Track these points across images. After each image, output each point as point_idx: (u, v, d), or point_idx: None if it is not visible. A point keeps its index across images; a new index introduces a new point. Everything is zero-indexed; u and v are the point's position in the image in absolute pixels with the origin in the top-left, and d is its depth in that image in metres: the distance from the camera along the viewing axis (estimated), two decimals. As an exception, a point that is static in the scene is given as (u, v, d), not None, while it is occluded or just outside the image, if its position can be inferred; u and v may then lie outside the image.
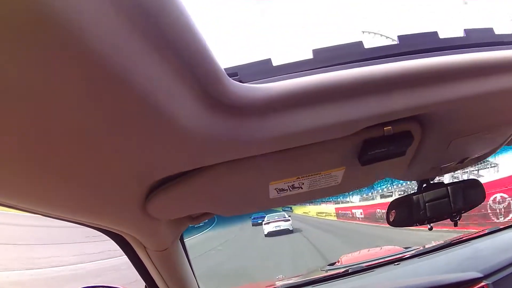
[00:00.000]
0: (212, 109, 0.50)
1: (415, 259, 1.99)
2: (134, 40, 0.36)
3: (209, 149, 0.57)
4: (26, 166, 0.47)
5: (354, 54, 0.64)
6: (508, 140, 1.01)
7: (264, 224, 17.35)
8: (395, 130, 0.71)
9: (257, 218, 22.02)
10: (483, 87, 0.66)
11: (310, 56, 0.64)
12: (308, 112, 0.58)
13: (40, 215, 0.66)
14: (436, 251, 2.02)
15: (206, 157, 0.61)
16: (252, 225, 22.35)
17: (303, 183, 0.82)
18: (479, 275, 1.55)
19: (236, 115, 0.53)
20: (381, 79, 0.59)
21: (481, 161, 1.11)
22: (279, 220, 16.98)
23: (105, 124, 0.43)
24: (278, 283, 2.11)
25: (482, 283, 1.52)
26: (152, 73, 0.40)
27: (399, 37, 0.67)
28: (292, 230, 16.57)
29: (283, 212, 19.37)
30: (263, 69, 0.61)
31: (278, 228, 16.41)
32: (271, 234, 16.29)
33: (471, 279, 1.53)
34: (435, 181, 1.21)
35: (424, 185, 1.18)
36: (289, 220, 17.14)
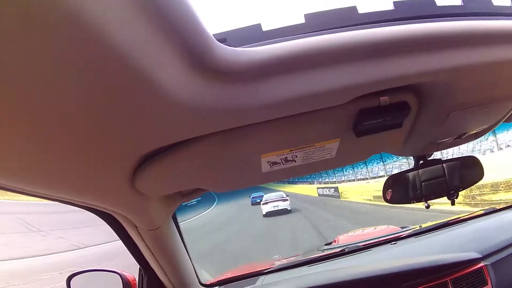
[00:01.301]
0: (200, 75, 0.48)
1: (412, 239, 1.99)
2: (119, 3, 0.35)
3: (197, 118, 0.55)
4: (10, 143, 0.46)
5: (348, 19, 0.61)
6: (507, 116, 0.98)
7: (262, 204, 17.56)
8: (391, 100, 0.69)
9: (256, 197, 22.46)
10: (480, 57, 0.64)
11: (302, 20, 0.61)
12: (300, 77, 0.55)
13: (28, 195, 0.66)
14: (433, 230, 2.02)
15: (194, 127, 0.59)
16: (252, 205, 22.72)
17: (296, 156, 0.80)
18: (478, 255, 1.54)
19: (225, 81, 0.51)
20: (376, 43, 0.57)
21: (479, 137, 1.09)
22: (277, 200, 17.17)
23: (88, 93, 0.42)
24: (276, 263, 2.10)
25: (481, 264, 1.51)
26: (136, 36, 0.38)
27: (395, 3, 0.64)
28: (290, 210, 16.75)
29: (281, 192, 19.60)
30: (253, 34, 0.59)
31: (276, 208, 16.62)
32: (269, 214, 16.46)
33: (469, 259, 1.52)
34: (432, 158, 1.18)
35: (421, 161, 1.17)
36: (287, 199, 17.31)
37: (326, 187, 21.18)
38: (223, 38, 0.55)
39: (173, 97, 0.47)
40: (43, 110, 0.41)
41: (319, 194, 21.27)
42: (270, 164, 0.81)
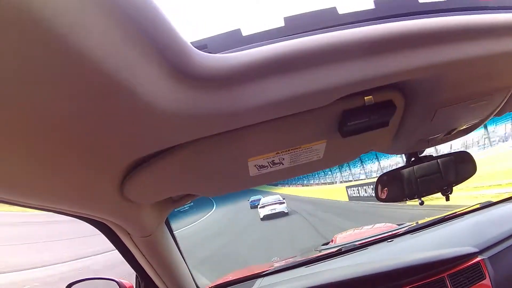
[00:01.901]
0: (181, 83, 0.48)
1: (409, 236, 1.99)
2: (92, 17, 0.35)
3: (181, 126, 0.55)
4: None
5: (328, 20, 0.61)
6: (497, 110, 0.97)
7: (260, 207, 17.65)
8: (376, 99, 0.68)
9: (255, 201, 22.95)
10: (464, 53, 0.64)
11: (281, 24, 0.61)
12: (282, 80, 0.55)
13: (19, 206, 0.65)
14: (429, 226, 2.02)
15: (179, 134, 0.59)
16: (251, 208, 22.98)
17: (283, 159, 0.80)
18: (474, 250, 1.54)
19: (207, 87, 0.51)
20: (357, 43, 0.57)
21: (469, 133, 1.09)
22: (274, 203, 17.24)
23: (71, 105, 0.42)
24: (274, 265, 2.10)
25: (478, 258, 1.51)
26: (111, 48, 0.39)
27: (375, 1, 0.64)
28: (287, 212, 16.79)
29: (278, 195, 19.66)
30: (233, 40, 0.59)
31: (273, 211, 16.71)
32: (267, 217, 16.49)
33: (466, 254, 1.52)
34: (424, 155, 1.18)
35: (413, 158, 1.16)
36: (283, 202, 17.40)
37: (362, 184, 16.72)
38: (203, 44, 0.56)
39: (155, 106, 0.48)
40: (30, 122, 0.42)
41: (350, 198, 17.60)
42: (257, 168, 0.81)
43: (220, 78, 0.51)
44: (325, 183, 25.40)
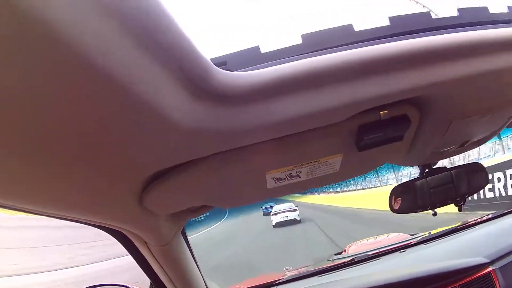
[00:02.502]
0: (202, 100, 0.49)
1: (421, 246, 1.98)
2: (116, 37, 0.36)
3: (202, 141, 0.56)
4: (21, 164, 0.46)
5: (344, 37, 0.62)
6: (508, 122, 0.98)
7: (272, 215, 17.48)
8: (391, 114, 0.69)
9: (268, 208, 22.75)
10: (478, 67, 0.64)
11: (299, 41, 0.62)
12: (300, 97, 0.56)
13: (38, 214, 0.66)
14: (441, 237, 2.01)
15: (199, 148, 0.60)
16: (264, 215, 22.84)
17: (300, 172, 0.81)
18: (485, 260, 1.54)
19: (226, 104, 0.52)
20: (373, 60, 0.57)
21: (482, 144, 1.09)
22: (287, 211, 17.07)
23: (95, 120, 0.43)
24: (286, 274, 2.10)
25: (489, 269, 1.51)
26: (134, 66, 0.39)
27: (390, 18, 0.64)
28: (299, 220, 16.63)
29: (290, 203, 19.50)
30: (252, 57, 0.60)
31: (286, 219, 16.52)
32: (279, 224, 16.37)
33: (477, 264, 1.52)
34: (437, 166, 1.19)
35: (426, 170, 1.16)
36: (296, 210, 17.21)
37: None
38: (223, 61, 0.57)
39: (176, 122, 0.49)
40: (53, 134, 0.43)
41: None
42: (275, 180, 0.82)
43: (241, 95, 0.52)
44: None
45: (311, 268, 2.18)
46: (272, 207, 20.98)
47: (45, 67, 0.33)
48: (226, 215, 27.59)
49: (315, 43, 0.61)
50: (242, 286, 2.06)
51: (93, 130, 0.45)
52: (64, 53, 0.33)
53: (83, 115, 0.41)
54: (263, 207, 24.06)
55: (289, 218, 16.60)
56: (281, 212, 16.97)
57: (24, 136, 0.41)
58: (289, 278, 1.98)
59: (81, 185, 0.58)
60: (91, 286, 1.38)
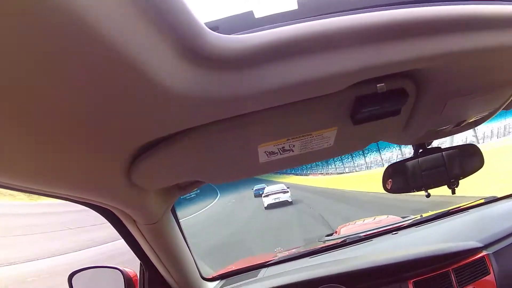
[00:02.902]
0: (193, 63, 0.48)
1: (413, 229, 1.99)
2: None
3: (192, 108, 0.54)
4: (4, 139, 0.46)
5: (342, 3, 0.60)
6: (506, 103, 0.96)
7: (264, 196, 17.72)
8: (388, 87, 0.67)
9: (259, 189, 23.51)
10: (478, 43, 0.63)
11: (295, 6, 0.60)
12: (294, 63, 0.54)
13: (25, 192, 0.65)
14: (433, 220, 2.01)
15: (189, 117, 0.58)
16: (255, 196, 23.52)
17: (294, 145, 0.79)
18: (479, 244, 1.54)
19: (218, 68, 0.50)
20: (371, 28, 0.56)
21: (478, 125, 1.08)
22: (278, 192, 17.27)
23: (80, 87, 0.42)
24: (277, 255, 2.10)
25: (482, 253, 1.51)
26: (125, 27, 0.38)
27: None
28: (291, 201, 16.83)
29: (282, 184, 19.76)
30: (245, 22, 0.58)
31: (277, 200, 16.78)
32: (271, 206, 16.55)
33: (470, 248, 1.52)
34: (431, 146, 1.18)
35: (420, 150, 1.15)
36: (288, 191, 17.44)
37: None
38: (215, 26, 0.54)
39: (166, 86, 0.47)
40: (37, 106, 0.41)
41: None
42: (267, 154, 0.80)
43: (232, 59, 0.51)
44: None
45: (302, 249, 2.17)
46: (263, 188, 21.55)
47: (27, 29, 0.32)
48: (217, 198, 27.90)
49: (312, 8, 0.59)
50: (233, 267, 2.05)
51: (78, 96, 0.43)
52: (52, 13, 0.32)
53: (67, 79, 0.40)
54: (254, 189, 24.71)
55: (280, 199, 16.86)
56: (273, 194, 17.22)
57: (5, 111, 0.40)
58: (280, 259, 1.98)
59: (67, 159, 0.57)
60: (82, 268, 1.38)
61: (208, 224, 16.40)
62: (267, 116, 0.66)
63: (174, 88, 0.48)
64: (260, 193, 21.57)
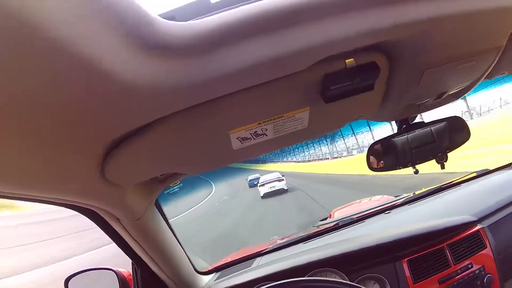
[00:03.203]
0: (150, 54, 0.47)
1: (406, 207, 1.98)
2: None
3: (155, 99, 0.54)
4: None
5: None
6: (487, 72, 0.93)
7: (259, 186, 17.94)
8: (358, 62, 0.66)
9: (253, 179, 24.31)
10: (450, 8, 0.61)
11: None
12: (255, 43, 0.53)
13: (4, 198, 0.64)
14: (426, 197, 2.00)
15: (153, 109, 0.58)
16: (250, 187, 24.03)
17: (266, 129, 0.78)
18: (473, 218, 1.53)
19: (176, 57, 0.50)
20: (332, 0, 0.54)
21: (460, 97, 1.05)
22: (274, 181, 17.45)
23: (38, 82, 0.42)
24: (272, 244, 2.09)
25: (477, 227, 1.50)
26: (72, 23, 0.38)
27: None
28: (287, 189, 17.00)
29: (277, 172, 19.94)
30: (201, 8, 0.57)
31: (273, 189, 17.01)
32: (267, 195, 16.71)
33: (464, 223, 1.51)
34: (415, 122, 1.14)
35: (404, 126, 1.12)
36: (283, 179, 17.63)
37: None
38: (172, 16, 0.53)
39: (126, 80, 0.47)
40: (4, 108, 0.42)
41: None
42: (240, 140, 0.79)
43: (190, 45, 0.50)
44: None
45: (297, 236, 2.17)
46: (258, 178, 22.15)
47: None
48: (213, 191, 28.18)
49: None
50: (229, 259, 2.04)
51: (41, 96, 0.43)
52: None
53: (24, 80, 0.40)
54: (249, 180, 25.30)
55: (276, 188, 17.10)
56: (268, 182, 17.40)
57: None
58: (274, 247, 1.97)
59: (38, 160, 0.56)
60: (77, 272, 1.38)
61: (207, 217, 16.49)
62: (235, 100, 0.64)
63: (134, 81, 0.48)
64: (255, 183, 22.15)
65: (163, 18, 0.48)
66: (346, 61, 0.65)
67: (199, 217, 17.23)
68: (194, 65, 0.51)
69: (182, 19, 0.52)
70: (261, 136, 0.79)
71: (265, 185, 17.46)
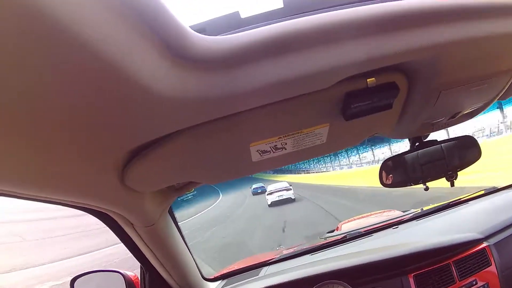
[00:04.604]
0: (179, 66, 0.48)
1: (414, 222, 1.98)
2: (90, 4, 0.36)
3: (181, 110, 0.54)
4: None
5: (327, 0, 0.59)
6: (501, 93, 0.95)
7: (267, 194, 17.85)
8: (378, 81, 0.67)
9: (257, 188, 24.71)
10: (467, 32, 0.62)
11: (280, 5, 0.60)
12: (282, 61, 0.54)
13: (19, 198, 0.65)
14: (434, 213, 2.00)
15: (179, 119, 0.58)
16: (253, 195, 24.17)
17: (286, 143, 0.79)
18: (479, 236, 1.53)
19: (205, 70, 0.50)
20: (356, 23, 0.55)
21: (474, 117, 1.07)
22: (281, 190, 17.39)
23: (69, 92, 0.42)
24: (279, 254, 2.10)
25: (483, 245, 1.50)
26: (110, 34, 0.39)
27: None
28: (294, 199, 16.92)
29: (285, 182, 19.88)
30: (232, 22, 0.58)
31: (281, 198, 16.90)
32: (274, 204, 16.65)
33: (470, 240, 1.51)
34: (428, 139, 1.16)
35: (417, 143, 1.14)
36: (290, 189, 17.55)
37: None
38: (202, 28, 0.54)
39: (154, 90, 0.47)
40: (27, 110, 0.42)
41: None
42: (260, 153, 0.80)
43: (219, 59, 0.51)
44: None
45: (304, 247, 2.17)
46: (261, 187, 22.94)
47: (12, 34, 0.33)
48: (219, 199, 28.20)
49: (297, 6, 0.59)
50: (235, 267, 2.05)
51: (64, 101, 0.44)
52: (27, 11, 0.32)
53: (54, 86, 0.40)
54: (253, 188, 25.61)
55: (284, 197, 17.00)
56: (276, 191, 17.30)
57: None
58: (281, 257, 1.98)
59: (60, 165, 0.57)
60: (84, 273, 1.39)
61: (213, 224, 16.45)
62: (257, 114, 0.66)
63: (162, 92, 0.48)
64: (258, 191, 23.00)
65: (194, 30, 0.48)
66: (368, 80, 0.67)
67: (205, 223, 17.21)
68: (221, 79, 0.52)
69: (213, 32, 0.53)
70: (280, 150, 0.80)
71: (273, 194, 17.37)
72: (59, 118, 0.46)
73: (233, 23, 0.58)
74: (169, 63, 0.46)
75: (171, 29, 0.45)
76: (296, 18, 0.55)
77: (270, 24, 0.54)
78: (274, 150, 0.80)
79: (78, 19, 0.35)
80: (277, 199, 17.02)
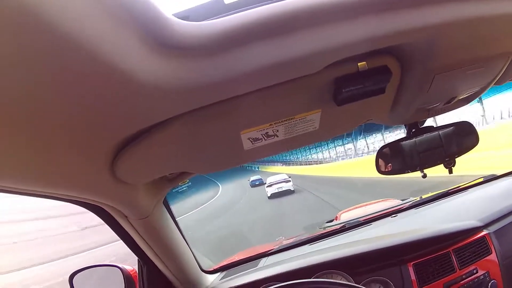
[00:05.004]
0: (163, 54, 0.47)
1: (413, 210, 1.97)
2: None
3: (168, 99, 0.54)
4: None
5: None
6: (498, 77, 0.93)
7: (267, 186, 18.08)
8: (370, 65, 0.66)
9: (255, 180, 25.53)
10: (459, 14, 0.61)
11: None
12: (269, 45, 0.53)
13: (11, 193, 0.64)
14: (433, 201, 1.99)
15: (166, 108, 0.58)
16: (251, 187, 24.83)
17: (277, 130, 0.78)
18: (479, 224, 1.52)
19: (190, 56, 0.50)
20: (345, 4, 0.54)
21: (470, 102, 1.05)
22: (281, 182, 17.57)
23: (52, 83, 0.42)
24: (278, 245, 2.09)
25: (483, 233, 1.50)
26: (89, 23, 0.38)
27: None
28: (293, 190, 17.08)
29: (284, 174, 20.06)
30: (215, 8, 0.57)
31: (280, 190, 17.10)
32: (274, 195, 16.80)
33: (470, 228, 1.51)
34: (424, 126, 1.14)
35: (413, 129, 1.12)
36: (289, 181, 17.74)
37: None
38: (186, 16, 0.53)
39: (139, 80, 0.47)
40: (12, 103, 0.41)
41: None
42: (251, 141, 0.79)
43: (203, 45, 0.50)
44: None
45: (303, 237, 2.17)
46: (259, 179, 23.71)
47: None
48: (219, 192, 28.47)
49: None
50: (236, 258, 2.05)
51: (48, 92, 0.43)
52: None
53: (37, 77, 0.40)
54: (251, 180, 26.26)
55: (283, 189, 17.26)
56: (276, 184, 17.48)
57: None
58: (280, 248, 1.98)
59: (48, 157, 0.57)
60: (82, 268, 1.38)
61: (215, 216, 16.59)
62: (247, 101, 0.64)
63: (147, 80, 0.47)
64: (256, 183, 23.73)
65: (177, 18, 0.48)
66: (359, 64, 0.66)
67: (205, 215, 17.34)
68: (207, 65, 0.51)
69: (196, 19, 0.52)
70: (272, 137, 0.80)
71: (272, 186, 17.61)
72: (42, 109, 0.45)
73: (217, 9, 0.57)
74: (152, 51, 0.46)
75: (150, 16, 0.44)
76: (281, 1, 0.53)
77: (254, 8, 0.53)
78: (265, 138, 0.79)
79: (55, 9, 0.34)
80: (276, 191, 17.26)
